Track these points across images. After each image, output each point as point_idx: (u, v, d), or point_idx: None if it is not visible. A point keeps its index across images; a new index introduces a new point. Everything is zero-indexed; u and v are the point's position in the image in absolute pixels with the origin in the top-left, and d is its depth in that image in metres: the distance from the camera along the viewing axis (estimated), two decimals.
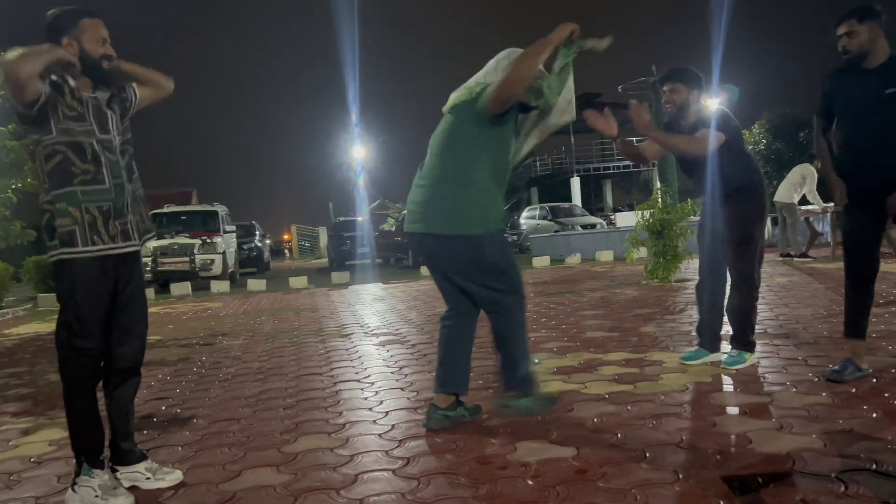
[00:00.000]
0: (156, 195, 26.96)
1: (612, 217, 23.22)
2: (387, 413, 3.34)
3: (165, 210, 16.60)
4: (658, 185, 13.37)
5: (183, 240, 14.52)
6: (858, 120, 3.23)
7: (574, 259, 14.01)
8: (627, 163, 35.39)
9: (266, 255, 23.38)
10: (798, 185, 10.37)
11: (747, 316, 3.75)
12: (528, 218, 23.81)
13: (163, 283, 14.11)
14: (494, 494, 2.23)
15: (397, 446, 2.81)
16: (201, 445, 3.05)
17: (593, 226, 20.69)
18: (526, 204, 31.99)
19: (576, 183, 34.12)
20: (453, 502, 2.20)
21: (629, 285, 8.62)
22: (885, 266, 8.27)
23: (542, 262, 13.96)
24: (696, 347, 4.03)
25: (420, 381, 4.00)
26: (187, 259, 14.21)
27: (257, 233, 22.71)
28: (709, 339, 3.92)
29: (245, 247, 20.50)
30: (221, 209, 16.61)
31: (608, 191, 39.01)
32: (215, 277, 14.09)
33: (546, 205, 24.98)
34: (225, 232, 15.83)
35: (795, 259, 10.28)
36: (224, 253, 14.87)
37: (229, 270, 15.24)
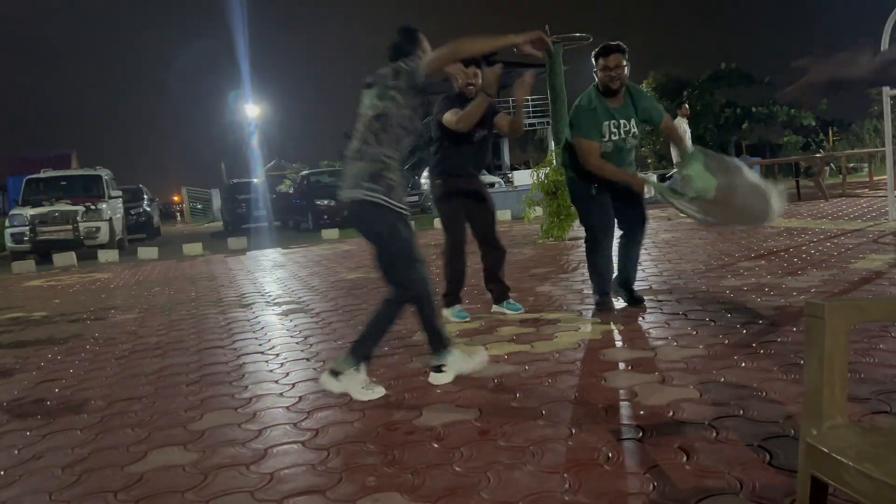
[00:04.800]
0: (30, 159, 25.10)
1: (510, 176, 23.68)
2: (293, 385, 3.38)
3: (42, 175, 15.50)
4: (553, 145, 13.75)
5: (64, 206, 13.65)
6: None
7: None
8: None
9: (156, 219, 22.41)
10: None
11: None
12: (429, 178, 23.88)
13: (44, 253, 13.28)
14: (402, 460, 2.34)
15: (305, 418, 2.87)
16: (102, 427, 2.99)
17: (492, 185, 21.05)
18: (426, 164, 32.06)
19: None
20: (363, 470, 2.29)
21: (526, 245, 8.91)
22: None
23: None
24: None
25: (326, 350, 4.05)
26: (70, 227, 13.40)
27: (145, 197, 21.68)
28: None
29: (133, 212, 19.55)
30: (105, 173, 15.70)
31: (505, 149, 39.65)
32: (102, 246, 13.40)
33: None
34: (110, 197, 15.01)
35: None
36: (111, 219, 14.13)
37: (117, 238, 14.52)
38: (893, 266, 4.98)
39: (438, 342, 3.14)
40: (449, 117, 4.12)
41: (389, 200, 2.97)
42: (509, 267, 7.13)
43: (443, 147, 4.34)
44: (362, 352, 3.10)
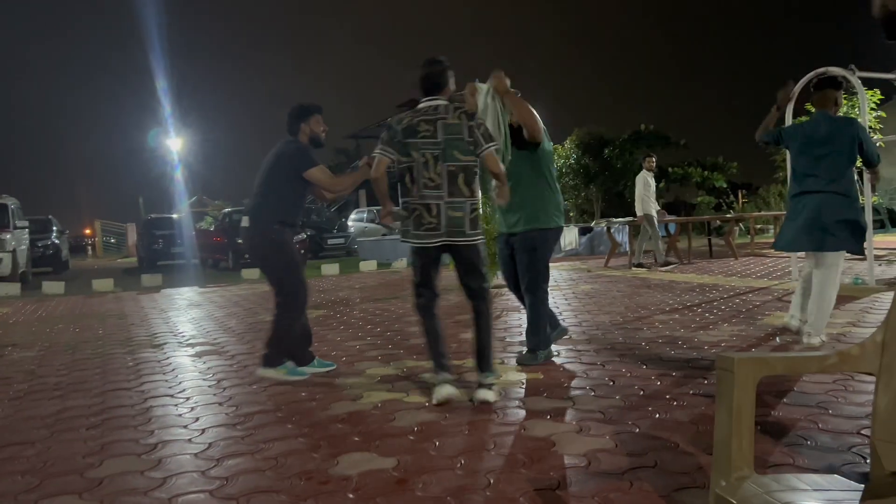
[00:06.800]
0: None
1: None
2: (203, 430, 3.22)
3: None
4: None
5: None
6: None
7: (401, 263, 14.25)
8: None
9: (64, 253, 21.31)
10: (643, 196, 10.54)
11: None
12: (355, 221, 23.84)
13: None
14: None
15: (215, 465, 2.73)
16: None
17: None
18: (354, 206, 31.95)
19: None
20: None
21: (451, 291, 8.93)
22: (672, 276, 9.34)
23: (369, 266, 14.05)
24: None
25: (240, 394, 3.90)
26: None
27: (54, 228, 20.63)
28: None
29: (39, 244, 18.53)
30: (11, 202, 14.89)
31: None
32: (3, 279, 12.63)
33: (374, 208, 25.11)
34: (15, 227, 14.22)
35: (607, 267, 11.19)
36: (14, 251, 13.37)
37: (20, 271, 13.73)
38: None
39: (490, 361, 3.54)
40: (321, 176, 4.12)
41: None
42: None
43: (287, 194, 4.16)
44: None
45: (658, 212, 10.82)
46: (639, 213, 10.67)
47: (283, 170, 4.14)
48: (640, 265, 10.75)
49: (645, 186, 10.58)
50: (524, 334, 4.43)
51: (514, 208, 4.15)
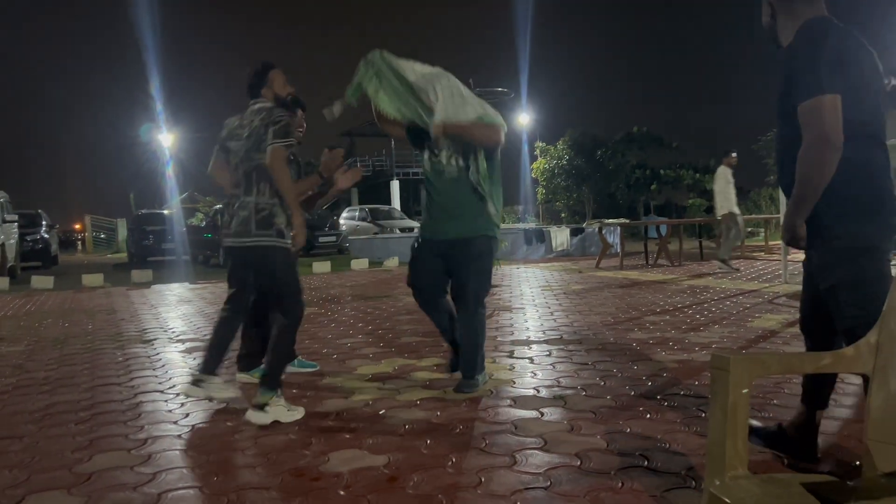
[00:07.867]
0: None
1: None
2: (193, 426, 3.21)
3: None
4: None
5: None
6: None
7: (392, 262, 14.24)
8: None
9: (54, 247, 21.16)
10: (723, 192, 9.82)
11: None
12: (347, 219, 23.81)
13: None
14: None
15: (205, 461, 2.72)
16: None
17: (411, 229, 21.10)
18: (346, 204, 31.89)
19: (395, 186, 34.68)
20: None
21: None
22: (661, 276, 9.37)
23: (360, 264, 14.02)
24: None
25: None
26: None
27: (44, 223, 20.48)
28: None
29: (29, 238, 18.39)
30: (0, 196, 14.80)
31: (423, 195, 40.04)
32: None
33: (366, 206, 25.12)
34: (4, 221, 14.12)
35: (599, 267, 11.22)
36: (3, 245, 13.28)
37: (9, 265, 13.63)
38: (787, 325, 5.27)
39: (273, 381, 3.24)
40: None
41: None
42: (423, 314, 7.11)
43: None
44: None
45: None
46: (722, 211, 9.90)
47: None
48: (724, 261, 9.91)
49: (727, 183, 9.87)
50: (458, 358, 3.83)
51: (452, 212, 3.67)
